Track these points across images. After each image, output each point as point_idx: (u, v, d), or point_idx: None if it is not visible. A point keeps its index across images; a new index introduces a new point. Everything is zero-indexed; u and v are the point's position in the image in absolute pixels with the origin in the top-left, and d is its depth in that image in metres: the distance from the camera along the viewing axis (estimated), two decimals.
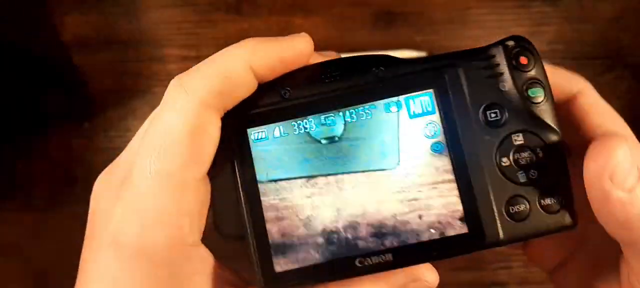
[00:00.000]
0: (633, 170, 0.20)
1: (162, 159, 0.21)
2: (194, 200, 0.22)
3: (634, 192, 0.20)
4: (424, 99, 0.23)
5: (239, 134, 0.23)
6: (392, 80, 0.23)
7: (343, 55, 0.25)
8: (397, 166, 0.23)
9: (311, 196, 0.23)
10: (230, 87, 0.22)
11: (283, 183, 0.23)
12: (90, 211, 0.26)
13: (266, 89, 0.23)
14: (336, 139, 0.23)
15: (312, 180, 0.23)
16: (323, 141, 0.23)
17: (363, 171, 0.23)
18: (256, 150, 0.23)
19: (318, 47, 0.58)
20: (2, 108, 0.58)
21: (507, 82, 0.23)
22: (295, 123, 0.23)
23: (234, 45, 0.23)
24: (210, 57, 0.23)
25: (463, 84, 0.23)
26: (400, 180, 0.23)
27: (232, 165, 0.23)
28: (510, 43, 0.24)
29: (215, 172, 0.24)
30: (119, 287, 0.23)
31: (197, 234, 0.23)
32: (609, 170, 0.20)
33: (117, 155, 0.57)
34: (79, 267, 0.25)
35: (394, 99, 0.23)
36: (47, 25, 0.58)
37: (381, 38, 0.57)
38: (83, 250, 0.25)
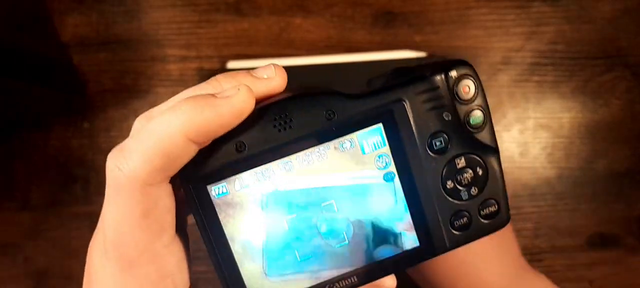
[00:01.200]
0: None
1: (120, 250, 0.22)
2: (170, 263, 0.23)
3: None
4: (375, 134, 0.24)
5: (200, 193, 0.23)
6: (343, 121, 0.24)
7: (288, 94, 0.25)
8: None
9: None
10: (170, 161, 0.21)
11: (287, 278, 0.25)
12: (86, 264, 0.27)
13: (220, 142, 0.23)
14: (346, 243, 0.25)
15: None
16: (336, 246, 0.25)
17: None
18: (221, 211, 0.24)
19: (318, 47, 0.58)
20: (2, 107, 0.58)
21: (450, 112, 0.25)
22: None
23: (169, 111, 0.21)
24: (145, 129, 0.21)
25: (409, 117, 0.24)
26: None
27: (199, 224, 0.24)
28: (453, 74, 0.24)
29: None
30: None
31: (183, 286, 0.24)
32: None
33: None
34: None
35: (347, 137, 0.24)
36: (47, 25, 0.58)
37: (381, 38, 0.57)
38: None
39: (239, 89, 0.22)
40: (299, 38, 0.57)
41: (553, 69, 0.57)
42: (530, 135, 0.56)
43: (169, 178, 0.22)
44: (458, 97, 0.24)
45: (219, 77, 0.24)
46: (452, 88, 0.24)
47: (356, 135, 0.24)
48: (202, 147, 0.22)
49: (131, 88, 0.57)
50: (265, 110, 0.23)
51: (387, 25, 0.57)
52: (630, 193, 0.56)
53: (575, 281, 0.56)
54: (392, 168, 0.25)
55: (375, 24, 0.57)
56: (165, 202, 0.22)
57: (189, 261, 0.25)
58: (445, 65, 0.24)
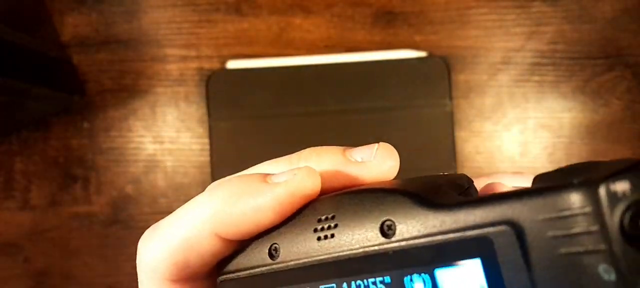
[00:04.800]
0: None
1: None
2: None
3: None
4: (468, 274, 0.14)
5: None
6: (407, 245, 0.14)
7: (346, 191, 0.17)
8: None
9: None
10: (196, 257, 0.18)
11: None
12: None
13: (258, 239, 0.18)
14: None
15: None
16: None
17: None
18: None
19: (318, 47, 0.58)
20: (2, 107, 0.58)
21: (614, 266, 0.12)
22: None
23: (204, 196, 0.18)
24: (175, 214, 0.18)
25: (522, 259, 0.13)
26: None
27: None
28: (622, 188, 0.12)
29: None
30: None
31: None
32: None
33: (118, 155, 0.57)
34: None
35: (418, 273, 0.15)
36: (47, 25, 0.58)
37: (381, 38, 0.57)
38: None
39: (295, 174, 0.16)
40: (299, 38, 0.57)
41: (553, 68, 0.56)
42: (530, 135, 0.56)
43: (199, 277, 0.19)
44: (628, 237, 0.11)
45: (305, 151, 0.18)
46: (618, 218, 0.12)
47: (433, 272, 0.14)
48: (241, 240, 0.18)
49: (131, 88, 0.57)
50: (311, 204, 0.17)
51: (387, 25, 0.57)
52: None
53: None
54: None
55: (375, 24, 0.57)
56: None
57: None
58: (610, 170, 0.12)
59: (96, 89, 0.57)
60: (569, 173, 0.13)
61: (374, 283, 0.15)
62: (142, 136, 0.57)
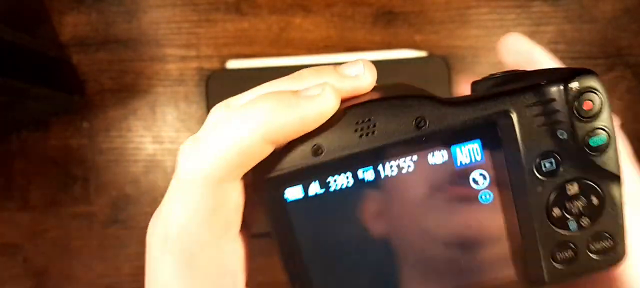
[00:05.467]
0: None
1: (183, 244, 0.22)
2: (232, 261, 0.23)
3: None
4: (472, 147, 0.22)
5: (273, 196, 0.22)
6: (435, 132, 0.21)
7: (375, 95, 0.22)
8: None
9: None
10: (246, 160, 0.21)
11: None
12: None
13: (296, 142, 0.21)
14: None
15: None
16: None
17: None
18: (295, 214, 0.22)
19: (318, 47, 0.58)
20: (2, 107, 0.58)
21: (566, 130, 0.21)
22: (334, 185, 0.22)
23: (249, 108, 0.21)
24: (223, 125, 0.21)
25: (516, 132, 0.21)
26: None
27: (272, 227, 0.22)
28: (574, 85, 0.21)
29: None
30: None
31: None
32: None
33: (117, 155, 0.57)
34: None
35: (439, 149, 0.22)
36: (47, 25, 0.58)
37: (381, 37, 0.57)
38: None
39: (323, 89, 0.20)
40: (299, 37, 0.57)
41: None
42: None
43: (241, 176, 0.22)
44: (578, 113, 0.21)
45: (304, 71, 0.22)
46: (571, 102, 0.21)
47: (450, 148, 0.22)
48: (279, 146, 0.21)
49: (131, 88, 0.57)
50: (348, 111, 0.21)
51: (387, 25, 0.57)
52: None
53: None
54: (491, 187, 0.22)
55: (375, 23, 0.57)
56: (235, 200, 0.22)
57: (250, 259, 0.24)
58: (566, 75, 0.21)
59: (96, 89, 0.57)
60: (506, 79, 0.23)
61: (404, 160, 0.21)
62: (141, 136, 0.57)
